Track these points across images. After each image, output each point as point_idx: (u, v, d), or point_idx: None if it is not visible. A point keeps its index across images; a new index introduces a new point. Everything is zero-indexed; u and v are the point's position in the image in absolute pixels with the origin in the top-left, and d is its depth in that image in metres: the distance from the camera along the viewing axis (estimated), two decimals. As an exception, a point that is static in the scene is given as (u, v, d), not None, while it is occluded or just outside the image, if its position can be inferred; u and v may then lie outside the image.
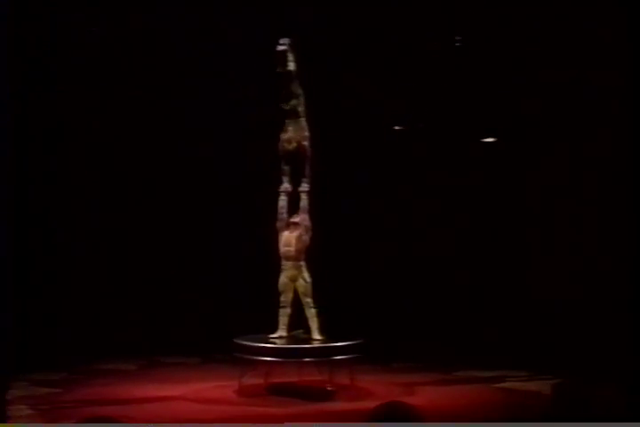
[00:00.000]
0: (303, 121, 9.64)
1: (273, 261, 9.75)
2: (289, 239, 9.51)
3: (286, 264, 9.51)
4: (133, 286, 11.56)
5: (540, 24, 10.93)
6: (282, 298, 9.51)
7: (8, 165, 8.05)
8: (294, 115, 9.64)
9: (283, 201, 9.63)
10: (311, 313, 9.42)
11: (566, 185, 10.89)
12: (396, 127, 11.94)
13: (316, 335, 9.39)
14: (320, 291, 9.53)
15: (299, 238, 9.49)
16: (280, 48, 9.53)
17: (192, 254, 11.75)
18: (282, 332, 9.49)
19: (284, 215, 9.58)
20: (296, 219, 9.54)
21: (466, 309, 11.32)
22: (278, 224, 9.59)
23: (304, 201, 9.57)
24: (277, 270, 9.60)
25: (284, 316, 9.50)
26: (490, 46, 11.34)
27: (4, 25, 7.95)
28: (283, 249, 9.52)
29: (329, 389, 9.17)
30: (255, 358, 9.24)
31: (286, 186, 9.67)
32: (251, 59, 11.47)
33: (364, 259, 11.67)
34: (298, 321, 9.51)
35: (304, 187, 9.59)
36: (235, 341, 9.35)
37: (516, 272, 11.18)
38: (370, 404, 5.60)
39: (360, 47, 11.65)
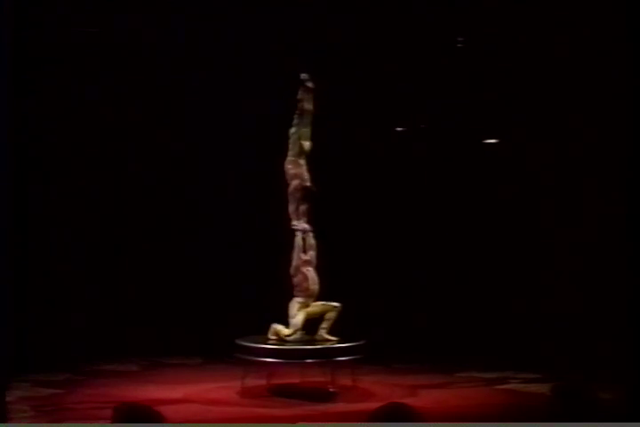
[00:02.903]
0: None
1: (273, 261, 9.75)
2: (314, 277, 9.47)
3: (308, 301, 9.43)
4: (134, 286, 11.55)
5: (541, 24, 10.92)
6: (293, 333, 9.35)
7: (8, 165, 8.05)
8: (305, 154, 9.54)
9: (299, 239, 9.50)
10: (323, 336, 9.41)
11: (566, 185, 10.89)
12: (398, 128, 11.93)
13: (327, 336, 9.37)
14: (320, 291, 9.54)
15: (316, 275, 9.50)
16: (310, 84, 9.38)
17: (192, 255, 11.72)
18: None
19: (302, 254, 9.47)
20: (307, 257, 9.49)
21: (467, 310, 11.31)
22: (297, 263, 9.47)
23: (311, 239, 9.51)
24: (277, 271, 9.64)
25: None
26: (490, 46, 11.34)
27: (4, 25, 7.95)
28: (312, 287, 9.43)
29: (331, 390, 9.18)
30: (257, 359, 9.24)
31: (300, 223, 9.50)
32: (251, 59, 11.46)
33: (365, 259, 11.65)
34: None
35: (308, 226, 9.50)
36: (237, 342, 9.36)
37: (516, 273, 11.17)
38: (372, 405, 5.54)
39: (360, 47, 11.63)
